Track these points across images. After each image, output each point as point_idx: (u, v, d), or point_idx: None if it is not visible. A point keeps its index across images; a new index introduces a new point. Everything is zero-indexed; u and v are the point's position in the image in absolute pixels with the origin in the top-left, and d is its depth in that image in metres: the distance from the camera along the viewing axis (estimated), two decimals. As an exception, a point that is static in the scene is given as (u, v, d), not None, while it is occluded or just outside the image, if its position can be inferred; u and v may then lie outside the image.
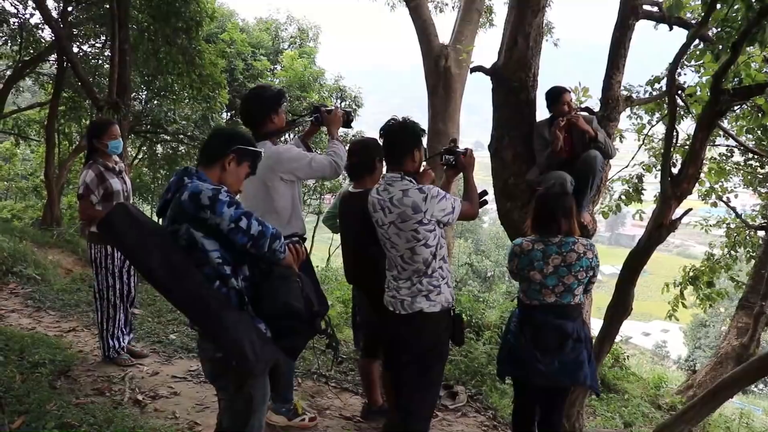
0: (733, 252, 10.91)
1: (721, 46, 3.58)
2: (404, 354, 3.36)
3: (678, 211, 3.84)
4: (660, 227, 3.74)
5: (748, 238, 10.94)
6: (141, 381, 4.49)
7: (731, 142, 8.89)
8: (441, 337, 3.31)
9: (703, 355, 34.25)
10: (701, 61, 4.78)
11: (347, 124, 4.00)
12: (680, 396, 8.99)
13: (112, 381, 4.40)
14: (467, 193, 3.45)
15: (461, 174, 3.56)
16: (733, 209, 10.83)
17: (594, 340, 3.94)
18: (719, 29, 3.79)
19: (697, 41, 4.35)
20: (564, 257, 3.36)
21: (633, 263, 3.98)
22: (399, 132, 3.30)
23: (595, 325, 4.92)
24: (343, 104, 18.55)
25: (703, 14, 3.55)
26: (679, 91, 5.76)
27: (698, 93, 3.60)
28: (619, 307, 4.06)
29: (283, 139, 4.09)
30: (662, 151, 8.43)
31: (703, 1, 3.59)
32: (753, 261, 10.38)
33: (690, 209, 3.75)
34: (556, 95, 4.56)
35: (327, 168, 3.64)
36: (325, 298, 3.86)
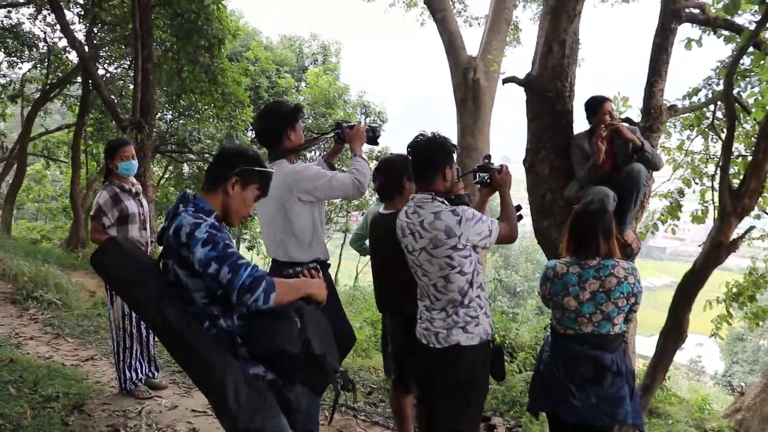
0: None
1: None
2: (438, 389, 3.07)
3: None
4: (719, 247, 3.40)
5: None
6: (159, 416, 4.24)
7: None
8: (479, 371, 3.02)
9: (741, 370, 33.32)
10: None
11: (373, 140, 3.70)
12: (728, 420, 8.51)
13: (128, 416, 4.16)
14: (504, 213, 3.16)
15: (496, 192, 3.27)
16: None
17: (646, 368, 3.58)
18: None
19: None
20: (602, 282, 3.01)
21: (688, 286, 3.63)
22: (428, 148, 3.00)
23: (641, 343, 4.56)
24: (367, 120, 18.38)
25: (761, 15, 3.23)
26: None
27: (760, 98, 3.27)
28: (674, 333, 3.71)
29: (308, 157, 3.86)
30: (703, 165, 8.17)
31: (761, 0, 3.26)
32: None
33: (753, 227, 3.41)
34: (596, 104, 4.26)
35: (349, 187, 3.35)
36: (350, 331, 3.59)
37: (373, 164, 3.63)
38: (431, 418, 3.21)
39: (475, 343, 2.95)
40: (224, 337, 2.25)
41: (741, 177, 3.37)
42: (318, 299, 2.41)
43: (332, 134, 3.68)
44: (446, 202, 2.95)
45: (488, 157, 3.37)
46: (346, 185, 3.34)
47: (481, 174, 3.27)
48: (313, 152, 15.58)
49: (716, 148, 7.81)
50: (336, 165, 3.94)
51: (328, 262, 3.55)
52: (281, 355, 2.24)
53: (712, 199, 6.11)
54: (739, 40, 6.95)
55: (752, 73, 6.46)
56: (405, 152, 3.14)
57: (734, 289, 9.58)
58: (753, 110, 4.40)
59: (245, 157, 2.40)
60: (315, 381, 2.59)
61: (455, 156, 3.13)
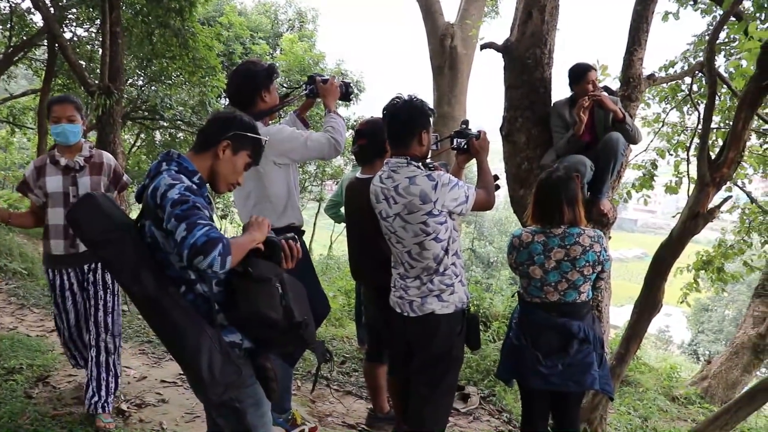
0: (747, 237, 10.57)
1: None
2: (414, 360, 3.03)
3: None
4: (696, 216, 3.37)
5: (762, 223, 10.58)
6: (127, 387, 4.15)
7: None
8: (455, 341, 2.98)
9: (706, 339, 34.19)
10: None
11: (346, 96, 3.58)
12: (695, 387, 8.70)
13: (95, 387, 4.07)
14: (482, 180, 3.09)
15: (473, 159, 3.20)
16: (749, 194, 10.45)
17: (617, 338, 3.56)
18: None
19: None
20: (567, 251, 2.97)
21: (665, 255, 3.60)
22: (404, 111, 2.90)
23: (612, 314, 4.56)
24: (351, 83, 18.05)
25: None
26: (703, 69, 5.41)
27: (743, 65, 3.21)
28: (648, 304, 3.69)
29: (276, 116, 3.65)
30: (677, 136, 8.19)
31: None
32: (768, 246, 10.03)
33: (730, 197, 3.38)
34: (580, 73, 4.17)
35: (325, 146, 3.24)
36: (325, 300, 3.52)
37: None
38: (407, 390, 3.18)
39: (450, 312, 2.91)
40: (201, 304, 2.16)
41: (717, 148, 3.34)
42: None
43: (306, 90, 3.56)
44: (422, 166, 2.87)
45: (466, 122, 3.28)
46: (321, 144, 3.23)
47: (458, 140, 3.19)
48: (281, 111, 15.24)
49: (691, 120, 7.84)
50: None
51: (303, 229, 3.45)
52: (261, 322, 2.16)
53: (687, 171, 6.12)
54: (716, 13, 6.96)
55: (728, 46, 6.46)
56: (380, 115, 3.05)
57: (704, 257, 9.76)
58: (731, 81, 4.36)
59: (240, 123, 2.32)
60: (291, 350, 2.52)
61: (432, 120, 3.05)
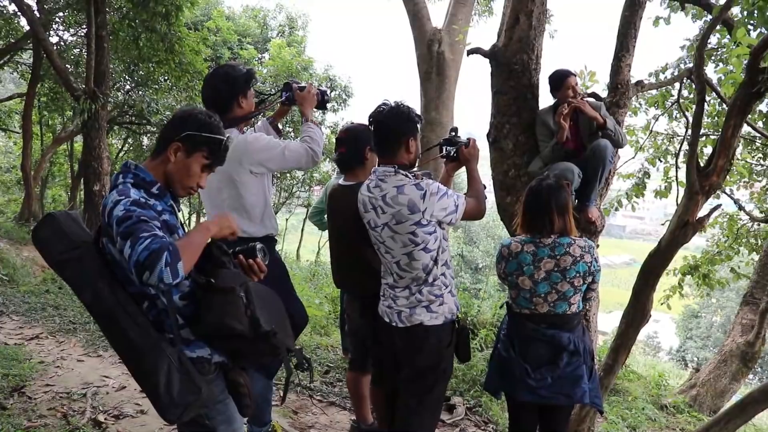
0: (734, 245, 10.58)
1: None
2: (402, 371, 2.97)
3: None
4: (685, 226, 3.32)
5: (751, 230, 10.60)
6: (105, 397, 4.05)
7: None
8: (444, 353, 2.91)
9: (694, 345, 34.26)
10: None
11: (323, 104, 3.49)
12: (683, 396, 8.66)
13: (72, 398, 3.97)
14: (472, 188, 3.04)
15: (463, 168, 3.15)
16: (736, 201, 10.47)
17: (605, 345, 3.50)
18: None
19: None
20: (557, 261, 2.90)
21: (653, 265, 3.55)
22: (391, 118, 2.83)
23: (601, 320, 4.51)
24: (332, 93, 18.00)
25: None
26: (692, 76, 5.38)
27: (732, 71, 3.16)
28: (637, 314, 3.63)
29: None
30: (666, 144, 8.19)
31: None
32: (756, 254, 10.05)
33: (719, 205, 3.33)
34: (559, 79, 4.14)
35: (303, 157, 3.14)
36: (302, 311, 3.41)
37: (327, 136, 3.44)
38: (393, 401, 3.11)
39: (439, 323, 2.84)
40: (165, 318, 2.06)
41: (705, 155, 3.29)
42: (224, 235, 2.15)
43: (282, 97, 3.47)
44: (410, 175, 2.80)
45: (455, 129, 3.22)
46: (299, 155, 3.13)
47: (447, 147, 3.13)
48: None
49: (680, 127, 7.84)
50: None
51: (275, 238, 3.36)
52: (227, 334, 2.07)
53: (676, 177, 6.09)
54: (707, 18, 6.96)
55: (717, 51, 6.45)
56: (367, 122, 2.98)
57: (691, 263, 9.78)
58: (720, 87, 4.33)
59: (194, 122, 2.14)
60: (265, 361, 2.42)
61: (420, 127, 2.99)
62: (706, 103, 5.18)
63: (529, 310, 3.01)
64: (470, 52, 4.65)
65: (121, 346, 2.04)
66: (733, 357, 8.95)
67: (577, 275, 2.91)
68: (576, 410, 3.87)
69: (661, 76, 6.93)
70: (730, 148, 3.14)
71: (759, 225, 10.49)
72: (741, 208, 10.57)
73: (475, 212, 2.95)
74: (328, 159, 13.94)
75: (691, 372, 10.65)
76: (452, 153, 3.12)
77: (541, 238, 2.97)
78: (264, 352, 2.17)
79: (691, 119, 6.09)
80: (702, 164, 3.31)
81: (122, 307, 1.99)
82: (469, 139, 3.11)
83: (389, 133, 2.85)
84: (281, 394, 4.33)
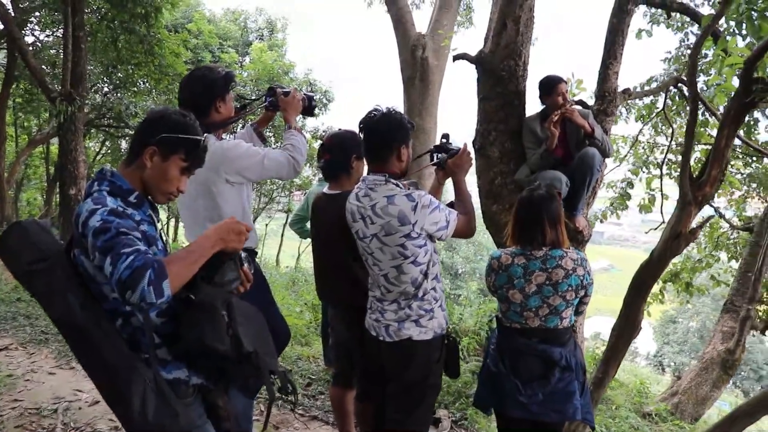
0: (714, 252, 10.65)
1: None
2: (389, 385, 2.86)
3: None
4: (678, 237, 3.26)
5: (730, 238, 10.67)
6: (77, 413, 3.89)
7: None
8: (432, 368, 2.82)
9: (671, 350, 34.57)
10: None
11: (309, 111, 3.35)
12: (665, 403, 8.66)
13: (42, 414, 3.81)
14: (461, 203, 2.90)
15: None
16: (716, 209, 10.54)
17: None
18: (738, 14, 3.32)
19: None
20: (549, 274, 2.80)
21: (645, 277, 3.49)
22: (383, 125, 2.73)
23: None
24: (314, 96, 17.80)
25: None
26: (679, 84, 5.37)
27: (723, 81, 3.13)
28: (628, 326, 3.57)
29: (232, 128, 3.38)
30: (648, 154, 8.21)
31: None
32: (735, 261, 10.11)
33: (712, 216, 3.28)
34: (550, 85, 4.08)
35: (284, 167, 2.99)
36: (285, 328, 3.28)
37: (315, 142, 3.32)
38: (379, 417, 3.00)
39: (429, 338, 2.74)
40: (140, 338, 1.93)
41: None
42: (234, 247, 1.97)
43: (265, 102, 3.33)
44: (401, 185, 2.70)
45: (446, 136, 3.10)
46: (280, 164, 2.98)
47: (439, 155, 3.03)
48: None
49: (663, 138, 7.87)
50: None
51: (256, 249, 3.22)
52: (208, 355, 1.95)
53: (660, 188, 6.07)
54: (691, 29, 6.99)
55: (700, 62, 6.47)
56: (356, 129, 2.86)
57: (672, 270, 9.81)
58: (712, 98, 4.31)
59: (168, 123, 1.99)
60: (248, 382, 2.30)
61: (411, 134, 2.88)
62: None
63: (520, 325, 2.91)
64: (456, 57, 4.58)
65: (93, 365, 1.92)
66: (713, 365, 8.96)
67: (569, 289, 2.82)
68: (565, 426, 3.79)
69: (647, 88, 6.95)
70: (723, 158, 3.09)
71: (738, 233, 10.59)
72: (721, 216, 10.65)
73: (465, 231, 2.84)
74: (309, 164, 13.78)
75: (672, 379, 10.68)
76: (443, 161, 3.02)
77: (532, 250, 2.88)
78: (246, 373, 2.04)
79: (676, 129, 6.11)
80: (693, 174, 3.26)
81: (95, 323, 1.86)
82: (458, 147, 3.00)
83: (380, 141, 2.75)
84: (262, 409, 4.22)
